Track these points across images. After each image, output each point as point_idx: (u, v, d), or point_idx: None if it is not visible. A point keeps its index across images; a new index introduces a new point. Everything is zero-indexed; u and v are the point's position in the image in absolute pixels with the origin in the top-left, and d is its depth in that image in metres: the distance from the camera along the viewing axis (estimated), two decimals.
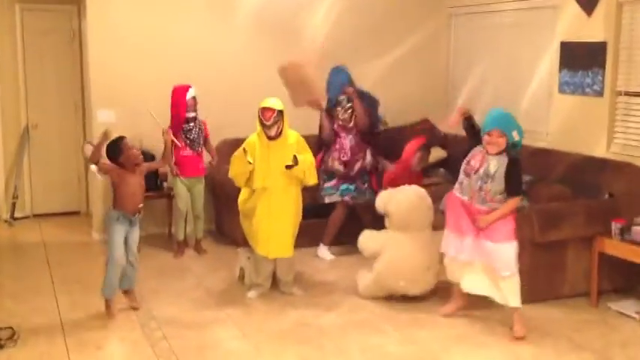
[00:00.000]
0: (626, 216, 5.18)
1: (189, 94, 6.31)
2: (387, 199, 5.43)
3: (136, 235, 5.13)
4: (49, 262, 6.38)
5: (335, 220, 6.55)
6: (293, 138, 5.44)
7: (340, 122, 6.46)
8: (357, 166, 6.46)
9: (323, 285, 5.82)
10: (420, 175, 6.39)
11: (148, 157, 6.74)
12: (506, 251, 4.71)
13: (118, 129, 6.86)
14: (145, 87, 6.96)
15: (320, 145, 6.57)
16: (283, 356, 4.51)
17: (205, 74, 7.06)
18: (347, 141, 6.45)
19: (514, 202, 4.74)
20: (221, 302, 5.40)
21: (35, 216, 8.00)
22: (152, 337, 4.74)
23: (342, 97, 6.45)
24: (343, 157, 6.43)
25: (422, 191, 5.44)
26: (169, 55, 7.08)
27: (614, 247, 5.14)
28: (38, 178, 7.99)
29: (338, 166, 6.44)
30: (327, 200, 6.51)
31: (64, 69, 7.98)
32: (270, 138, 5.35)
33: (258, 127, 5.38)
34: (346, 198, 6.47)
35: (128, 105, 6.94)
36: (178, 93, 6.32)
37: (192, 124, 6.36)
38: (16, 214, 7.81)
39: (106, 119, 6.95)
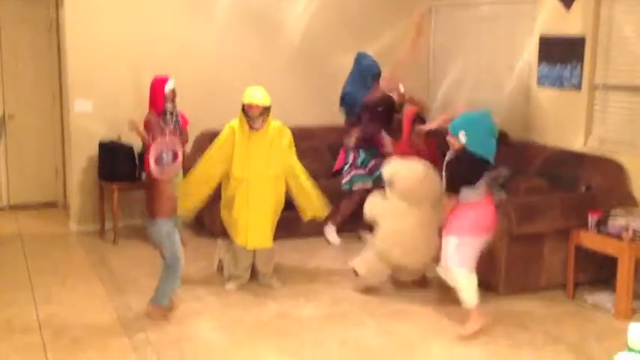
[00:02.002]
0: (603, 209, 5.24)
1: (168, 87, 6.22)
2: (394, 168, 5.38)
3: (179, 236, 4.99)
4: (26, 254, 6.32)
5: (352, 204, 6.61)
6: (275, 128, 5.42)
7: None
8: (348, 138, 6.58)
9: (302, 277, 5.82)
10: (429, 145, 6.07)
11: (127, 148, 6.71)
12: (446, 244, 4.75)
13: (95, 119, 6.89)
14: (123, 77, 6.90)
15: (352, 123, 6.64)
16: (261, 348, 4.51)
17: (184, 65, 7.01)
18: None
19: (447, 198, 4.75)
20: (199, 294, 5.38)
21: (12, 207, 7.91)
22: (129, 329, 4.71)
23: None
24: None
25: (425, 166, 5.33)
26: (148, 45, 7.01)
27: (591, 240, 5.19)
28: (15, 168, 7.90)
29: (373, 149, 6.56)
30: (354, 188, 6.59)
31: (41, 58, 7.88)
32: (253, 129, 5.32)
33: (241, 117, 5.33)
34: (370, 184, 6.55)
35: (106, 95, 6.88)
36: (157, 85, 6.24)
37: (169, 116, 6.29)
38: None
39: (83, 109, 6.91)
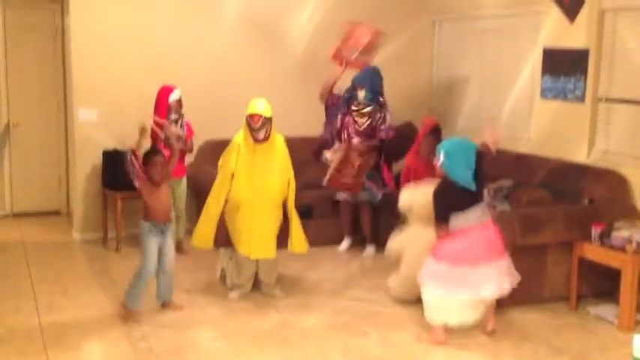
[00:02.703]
0: (606, 221, 5.23)
1: (173, 97, 6.25)
2: (409, 196, 5.37)
3: (170, 243, 5.10)
4: (28, 262, 6.32)
5: (344, 219, 6.86)
6: (280, 143, 5.44)
7: (353, 118, 6.53)
8: (357, 164, 6.53)
9: (305, 286, 5.82)
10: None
11: (147, 153, 6.69)
12: (426, 262, 4.77)
13: (99, 128, 6.91)
14: (128, 86, 6.93)
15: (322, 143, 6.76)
16: (264, 358, 4.50)
17: (189, 73, 7.04)
18: (349, 131, 6.56)
19: (437, 228, 4.71)
20: (202, 303, 5.37)
21: (15, 215, 7.92)
22: (131, 337, 4.71)
23: (360, 91, 6.51)
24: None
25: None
26: (153, 53, 7.05)
27: (594, 252, 5.18)
28: (18, 176, 7.92)
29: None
30: (338, 197, 6.72)
31: (46, 67, 7.91)
32: (257, 141, 5.33)
33: (245, 129, 5.35)
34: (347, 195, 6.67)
35: (110, 104, 6.91)
36: (162, 94, 6.26)
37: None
38: None
39: (87, 118, 6.92)
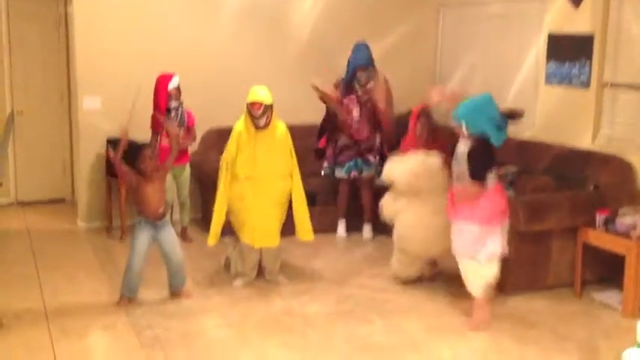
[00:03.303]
0: (611, 207, 5.22)
1: (172, 85, 6.23)
2: (390, 168, 5.46)
3: (168, 236, 5.11)
4: (34, 250, 6.34)
5: (340, 198, 6.83)
6: (281, 130, 5.43)
7: (357, 96, 6.57)
8: (366, 142, 6.65)
9: (309, 274, 5.83)
10: (432, 142, 6.02)
11: (135, 145, 6.71)
12: (463, 232, 4.73)
13: (103, 116, 6.90)
14: (132, 74, 6.88)
15: (324, 124, 6.78)
16: (268, 345, 4.51)
17: (192, 62, 7.02)
18: (355, 115, 6.59)
19: (473, 185, 4.66)
20: (206, 291, 5.39)
21: (20, 203, 7.94)
22: (137, 326, 4.72)
23: (361, 75, 6.55)
24: (351, 130, 6.61)
25: (425, 158, 5.37)
26: (156, 41, 7.02)
27: (599, 238, 5.17)
28: (23, 165, 7.93)
29: (346, 141, 6.63)
30: (336, 174, 6.75)
31: (49, 55, 7.91)
32: (258, 128, 5.32)
33: (246, 117, 5.35)
34: (351, 174, 6.69)
35: (114, 92, 6.88)
36: (160, 82, 6.25)
37: (173, 113, 6.30)
38: (0, 201, 7.76)
39: (91, 106, 6.92)
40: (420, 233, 5.28)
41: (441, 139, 5.71)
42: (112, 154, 5.12)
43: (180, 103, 6.34)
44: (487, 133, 4.65)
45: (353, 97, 6.60)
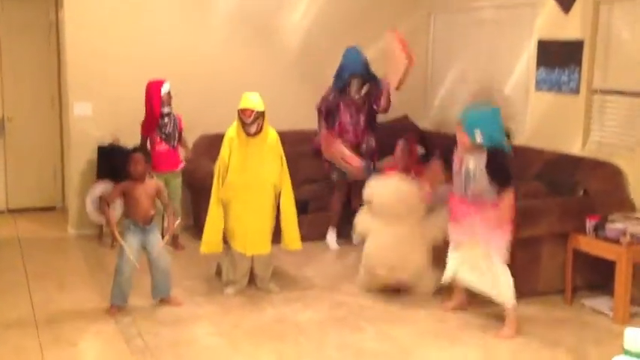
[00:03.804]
0: (601, 213, 5.23)
1: (164, 90, 6.26)
2: (371, 187, 5.46)
3: (154, 241, 5.07)
4: (24, 258, 6.32)
5: (334, 202, 6.79)
6: (272, 137, 5.42)
7: (353, 99, 6.58)
8: (364, 146, 6.64)
9: (300, 281, 5.82)
10: (416, 168, 6.21)
11: (126, 152, 6.70)
12: (499, 238, 4.70)
13: (94, 122, 6.89)
14: (123, 80, 6.91)
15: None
16: (260, 353, 4.50)
17: (183, 68, 7.03)
18: (348, 120, 6.58)
19: (507, 194, 4.60)
20: (197, 298, 5.37)
21: (10, 211, 7.91)
22: (127, 334, 4.70)
23: (355, 80, 6.56)
24: (346, 135, 6.59)
25: (403, 183, 5.39)
26: (147, 48, 7.03)
27: (589, 244, 5.18)
28: (13, 172, 7.90)
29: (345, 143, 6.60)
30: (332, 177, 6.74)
31: (40, 61, 7.89)
32: (249, 135, 5.32)
33: (237, 123, 5.34)
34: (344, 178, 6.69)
35: (105, 98, 6.89)
36: (152, 88, 6.27)
37: (167, 119, 6.31)
38: None
39: (82, 112, 6.91)
40: (390, 260, 5.25)
41: (419, 165, 5.93)
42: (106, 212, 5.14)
43: (171, 109, 6.36)
44: (501, 143, 4.66)
45: (348, 101, 6.58)
